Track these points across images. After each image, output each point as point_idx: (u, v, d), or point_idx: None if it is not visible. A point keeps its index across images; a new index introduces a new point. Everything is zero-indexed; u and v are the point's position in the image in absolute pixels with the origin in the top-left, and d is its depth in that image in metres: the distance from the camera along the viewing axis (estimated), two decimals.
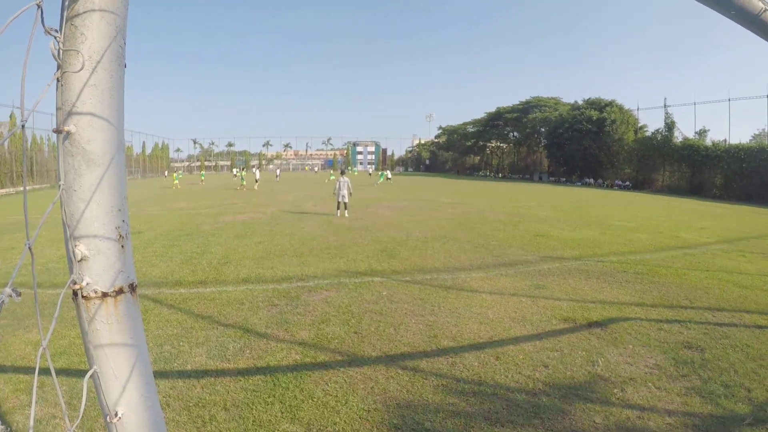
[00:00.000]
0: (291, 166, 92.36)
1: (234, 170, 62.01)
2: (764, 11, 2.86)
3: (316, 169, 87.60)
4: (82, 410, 0.98)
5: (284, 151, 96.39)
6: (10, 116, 33.54)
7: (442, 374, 3.81)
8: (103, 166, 0.92)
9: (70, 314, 4.43)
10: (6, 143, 31.09)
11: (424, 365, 3.99)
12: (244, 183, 31.76)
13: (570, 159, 50.10)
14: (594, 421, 3.10)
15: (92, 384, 0.97)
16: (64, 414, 2.27)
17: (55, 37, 0.87)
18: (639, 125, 46.50)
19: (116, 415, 0.96)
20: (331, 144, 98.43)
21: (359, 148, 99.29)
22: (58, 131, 0.90)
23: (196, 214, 15.29)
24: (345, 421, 3.10)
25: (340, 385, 3.60)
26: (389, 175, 41.84)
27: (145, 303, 5.49)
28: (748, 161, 32.11)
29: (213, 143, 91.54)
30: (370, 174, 58.09)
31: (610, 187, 43.74)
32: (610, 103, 46.93)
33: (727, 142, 36.68)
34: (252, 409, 3.22)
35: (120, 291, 0.97)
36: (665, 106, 41.73)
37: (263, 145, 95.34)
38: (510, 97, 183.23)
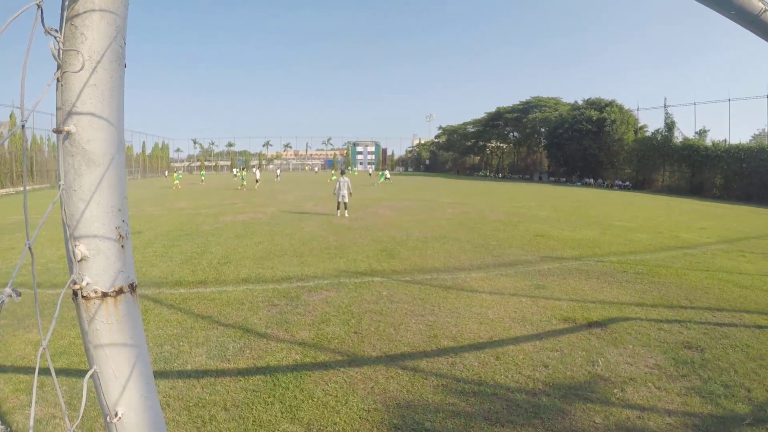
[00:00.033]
0: (291, 166, 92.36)
1: (234, 170, 62.04)
2: (764, 11, 2.86)
3: (316, 169, 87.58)
4: (82, 410, 0.98)
5: (284, 151, 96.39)
6: (10, 116, 33.53)
7: (442, 374, 3.81)
8: (103, 166, 0.92)
9: (70, 314, 4.43)
10: (6, 143, 31.09)
11: (424, 365, 3.99)
12: (245, 183, 31.77)
13: (570, 159, 50.10)
14: (594, 421, 3.10)
15: (92, 384, 0.97)
16: (64, 414, 2.27)
17: (55, 37, 0.87)
18: (639, 125, 46.50)
19: (116, 415, 0.96)
20: (331, 144, 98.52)
21: (359, 148, 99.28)
22: (58, 131, 0.90)
23: (196, 214, 15.29)
24: (345, 421, 3.10)
25: (340, 385, 3.60)
26: (388, 175, 41.94)
27: (145, 303, 5.49)
28: (748, 161, 32.10)
29: (213, 143, 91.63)
30: (370, 174, 58.09)
31: (610, 187, 43.74)
32: (610, 103, 46.93)
33: (727, 142, 36.68)
34: (252, 409, 3.22)
35: (120, 291, 0.97)
36: (665, 106, 41.77)
37: (263, 145, 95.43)
38: (510, 97, 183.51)
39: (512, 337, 4.64)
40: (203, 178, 45.63)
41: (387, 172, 44.93)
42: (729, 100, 39.34)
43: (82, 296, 0.94)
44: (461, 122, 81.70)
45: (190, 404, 3.28)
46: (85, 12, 0.88)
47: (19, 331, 4.58)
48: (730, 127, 64.39)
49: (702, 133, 40.00)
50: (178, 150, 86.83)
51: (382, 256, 8.51)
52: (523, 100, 66.91)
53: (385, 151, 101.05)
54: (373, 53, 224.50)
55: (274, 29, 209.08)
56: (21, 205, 20.82)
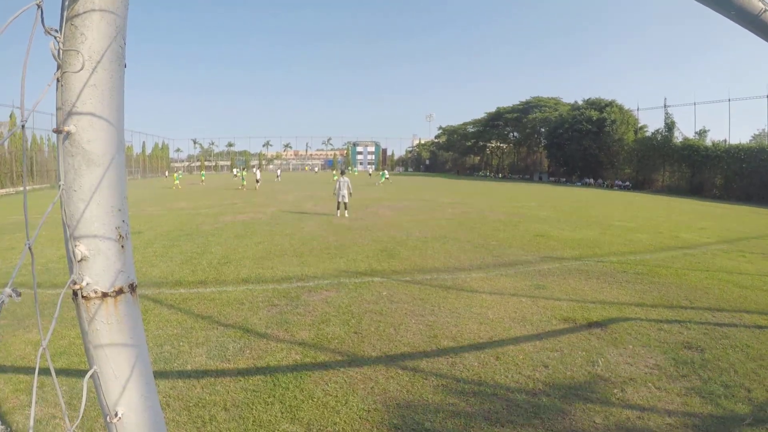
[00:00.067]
0: (291, 166, 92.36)
1: (234, 170, 62.03)
2: (764, 11, 2.86)
3: (316, 169, 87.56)
4: (82, 410, 0.98)
5: (284, 151, 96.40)
6: (10, 116, 33.54)
7: (442, 374, 3.81)
8: (103, 166, 0.92)
9: (70, 314, 4.43)
10: (6, 143, 31.10)
11: (424, 365, 3.99)
12: (245, 183, 31.77)
13: (570, 159, 50.10)
14: (594, 422, 3.10)
15: (92, 384, 0.97)
16: (64, 414, 2.27)
17: (55, 37, 0.87)
18: (639, 125, 46.50)
19: (116, 415, 0.96)
20: (331, 144, 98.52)
21: (359, 148, 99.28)
22: (58, 131, 0.90)
23: (196, 214, 15.29)
24: (345, 421, 3.10)
25: (340, 385, 3.60)
26: (387, 175, 42.23)
27: (145, 303, 5.49)
28: (748, 161, 32.10)
29: (213, 143, 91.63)
30: (370, 174, 58.09)
31: (610, 187, 43.74)
32: (610, 104, 46.93)
33: (727, 143, 36.67)
34: (252, 409, 3.22)
35: (120, 291, 0.97)
36: (665, 106, 41.76)
37: (263, 145, 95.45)
38: (510, 97, 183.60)
39: (512, 337, 4.64)
40: (203, 178, 45.64)
41: (386, 172, 45.10)
42: (729, 100, 39.36)
43: (82, 296, 0.94)
44: (461, 122, 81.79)
45: (190, 404, 3.28)
46: (85, 12, 0.88)
47: (19, 331, 4.58)
48: (730, 127, 64.40)
49: (702, 133, 40.01)
50: (178, 150, 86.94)
51: (382, 256, 8.51)
52: (523, 100, 66.96)
53: (385, 151, 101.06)
54: (373, 53, 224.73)
55: (274, 29, 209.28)
56: (21, 205, 20.82)
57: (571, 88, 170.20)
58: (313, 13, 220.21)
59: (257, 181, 31.81)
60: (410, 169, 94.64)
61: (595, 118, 46.08)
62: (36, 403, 3.18)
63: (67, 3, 0.89)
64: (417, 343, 4.49)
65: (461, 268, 7.69)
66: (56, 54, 0.88)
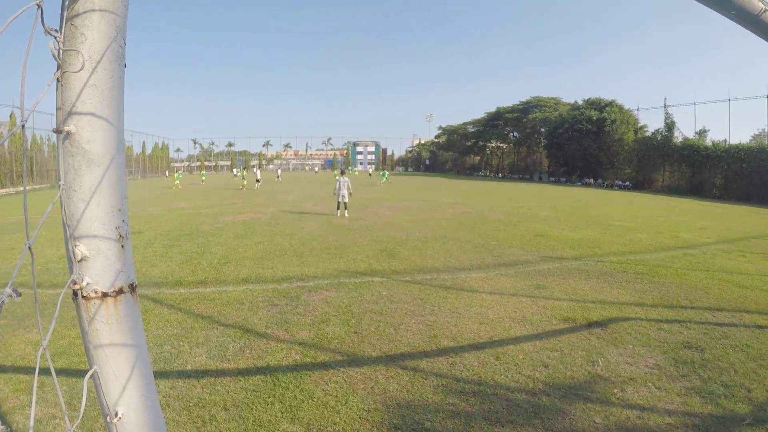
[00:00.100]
0: (291, 166, 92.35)
1: (234, 170, 62.04)
2: (764, 11, 2.86)
3: (316, 169, 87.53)
4: (82, 410, 0.98)
5: (284, 151, 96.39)
6: (10, 116, 33.53)
7: (442, 374, 3.81)
8: (103, 166, 0.92)
9: (70, 314, 4.43)
10: (6, 143, 31.10)
11: (424, 365, 3.99)
12: (245, 183, 31.78)
13: (570, 159, 50.10)
14: (594, 421, 3.10)
15: (92, 384, 0.97)
16: (64, 414, 2.27)
17: (55, 37, 0.87)
18: (639, 125, 46.51)
19: (116, 415, 0.96)
20: (331, 144, 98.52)
21: (359, 148, 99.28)
22: (58, 131, 0.90)
23: (196, 214, 15.29)
24: (345, 421, 3.10)
25: (340, 385, 3.60)
26: (386, 175, 42.55)
27: (145, 303, 5.49)
28: (748, 161, 32.11)
29: (213, 143, 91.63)
30: (370, 174, 58.11)
31: (610, 187, 43.74)
32: (610, 103, 46.93)
33: (727, 142, 36.68)
34: (252, 409, 3.22)
35: (120, 291, 0.97)
36: (665, 106, 41.77)
37: (263, 145, 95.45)
38: (510, 97, 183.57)
39: (512, 337, 4.64)
40: (203, 178, 45.65)
41: (386, 172, 45.30)
42: (729, 100, 39.38)
43: (82, 296, 0.94)
44: (461, 122, 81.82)
45: (190, 404, 3.28)
46: (85, 12, 0.88)
47: (19, 331, 4.58)
48: (730, 127, 64.51)
49: (702, 133, 40.02)
50: (178, 150, 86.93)
51: (382, 256, 8.51)
52: (523, 100, 66.99)
53: (385, 151, 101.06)
54: (373, 53, 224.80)
55: (274, 29, 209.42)
56: (21, 205, 20.82)
57: (571, 88, 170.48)
58: (313, 13, 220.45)
59: (257, 181, 31.81)
60: (410, 169, 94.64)
61: (595, 118, 46.08)
62: (36, 403, 3.18)
63: (67, 3, 0.89)
64: (417, 342, 4.49)
65: (461, 268, 7.69)
66: (56, 54, 0.88)
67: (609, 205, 21.60)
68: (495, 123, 70.62)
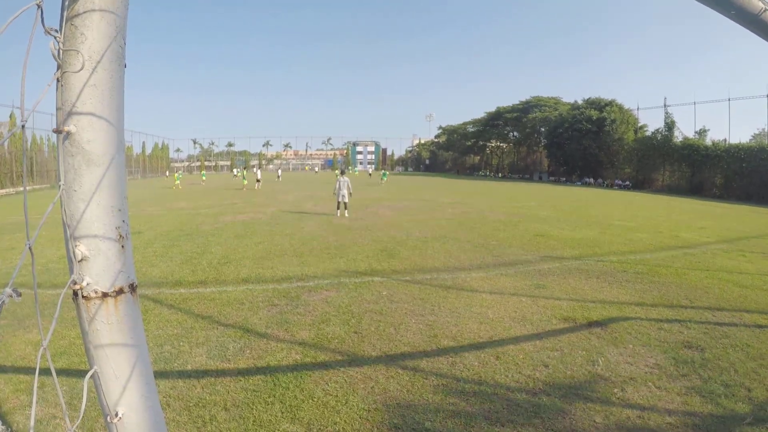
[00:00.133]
0: (291, 166, 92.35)
1: (234, 170, 62.06)
2: (764, 11, 2.86)
3: (316, 169, 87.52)
4: (82, 410, 0.98)
5: (284, 151, 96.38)
6: (10, 116, 33.53)
7: (442, 374, 3.81)
8: (103, 166, 0.92)
9: (70, 314, 4.43)
10: (6, 143, 31.09)
11: (424, 365, 3.99)
12: (246, 182, 31.78)
13: (570, 159, 50.11)
14: (594, 421, 3.10)
15: (92, 384, 0.97)
16: (64, 414, 2.27)
17: (55, 37, 0.87)
18: (639, 125, 46.53)
19: (117, 415, 0.96)
20: (331, 144, 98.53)
21: (359, 148, 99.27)
22: (58, 131, 0.90)
23: (196, 214, 15.29)
24: (345, 420, 3.10)
25: (341, 384, 3.60)
26: (382, 175, 43.02)
27: (146, 303, 5.49)
28: (748, 161, 32.13)
29: (213, 143, 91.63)
30: (370, 174, 58.12)
31: (610, 186, 43.74)
32: (610, 103, 46.95)
33: (727, 142, 36.71)
34: (252, 409, 3.23)
35: (120, 291, 0.97)
36: (665, 105, 41.80)
37: (263, 145, 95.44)
38: (510, 97, 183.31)
39: (512, 337, 4.64)
40: (204, 178, 45.65)
41: (386, 172, 45.54)
42: (729, 99, 39.41)
43: (83, 296, 0.94)
44: (461, 122, 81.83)
45: (191, 404, 3.28)
46: (85, 12, 0.88)
47: (19, 332, 4.58)
48: (730, 126, 64.49)
49: (702, 132, 40.05)
50: (178, 150, 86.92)
51: (382, 255, 8.51)
52: (523, 99, 67.00)
53: (385, 150, 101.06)
54: (373, 53, 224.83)
55: (274, 29, 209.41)
56: (21, 205, 20.82)
57: (571, 88, 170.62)
58: (313, 13, 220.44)
59: (258, 181, 31.80)
60: (410, 169, 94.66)
61: (594, 117, 46.10)
62: (36, 403, 3.18)
63: (67, 3, 0.88)
64: (417, 342, 4.49)
65: (461, 267, 7.69)
66: (56, 54, 0.88)
67: (609, 205, 21.60)
68: (495, 123, 70.62)
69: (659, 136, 41.44)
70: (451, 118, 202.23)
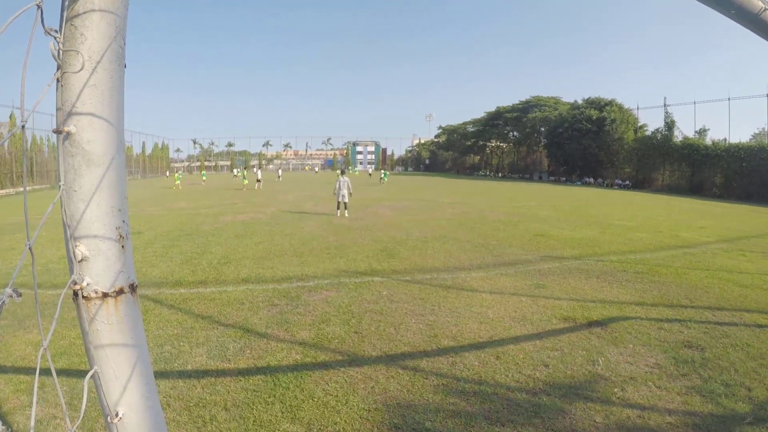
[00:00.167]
0: (291, 166, 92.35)
1: (235, 170, 62.08)
2: (764, 10, 2.86)
3: (317, 169, 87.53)
4: (82, 410, 0.98)
5: (284, 151, 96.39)
6: (10, 117, 33.54)
7: (442, 374, 3.81)
8: (103, 166, 0.92)
9: (70, 315, 4.42)
10: (6, 144, 31.09)
11: (424, 365, 3.99)
12: (247, 182, 31.77)
13: (570, 158, 50.12)
14: (594, 421, 3.10)
15: (93, 384, 0.97)
16: (64, 414, 2.27)
17: (55, 38, 0.87)
18: (639, 124, 46.54)
19: (117, 415, 0.96)
20: (331, 144, 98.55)
21: (359, 148, 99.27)
22: (58, 132, 0.90)
23: (196, 214, 15.29)
24: (345, 420, 3.10)
25: (341, 384, 3.60)
26: (382, 175, 43.26)
27: (146, 303, 5.49)
28: (748, 160, 32.13)
29: (213, 143, 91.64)
30: (370, 174, 58.14)
31: (610, 186, 43.74)
32: (610, 103, 46.96)
33: (727, 141, 36.71)
34: (252, 409, 3.23)
35: (120, 291, 0.97)
36: (665, 105, 41.82)
37: (263, 145, 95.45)
38: (510, 97, 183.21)
39: (512, 337, 4.64)
40: (204, 178, 45.65)
41: (387, 172, 45.77)
42: (729, 99, 39.42)
43: (83, 296, 0.94)
44: (461, 122, 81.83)
45: (191, 404, 3.28)
46: (84, 12, 0.88)
47: (19, 332, 4.58)
48: (730, 126, 64.55)
49: (702, 132, 40.05)
50: (178, 150, 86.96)
51: (382, 255, 8.51)
52: (523, 99, 67.00)
53: (384, 150, 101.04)
54: (373, 53, 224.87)
55: (274, 29, 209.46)
56: (21, 205, 20.82)
57: (571, 88, 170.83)
58: (313, 13, 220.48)
59: (258, 181, 31.79)
60: (410, 169, 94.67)
61: (594, 117, 46.10)
62: (37, 403, 3.18)
63: (66, 3, 0.88)
64: (417, 342, 4.49)
65: (461, 267, 7.69)
66: (56, 54, 0.88)
67: (609, 205, 21.60)
68: (495, 122, 70.62)
69: (659, 136, 41.45)
70: (451, 118, 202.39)
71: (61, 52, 0.88)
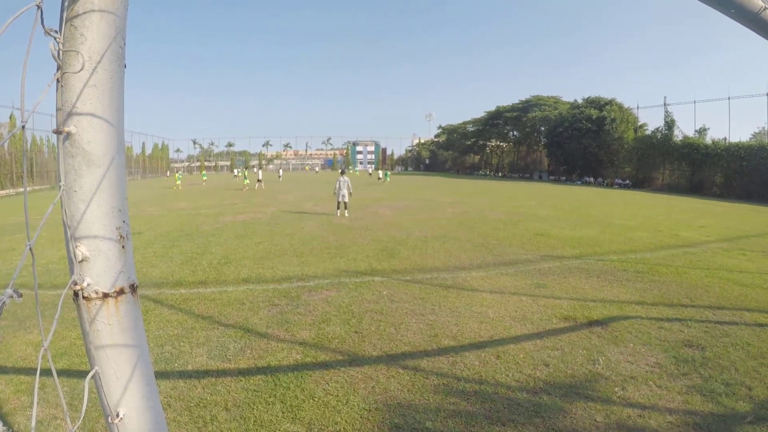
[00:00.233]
0: (291, 166, 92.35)
1: (235, 171, 62.08)
2: (764, 9, 2.86)
3: (317, 169, 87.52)
4: (83, 411, 0.98)
5: (284, 151, 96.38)
6: (10, 117, 33.53)
7: (442, 373, 3.81)
8: (103, 166, 0.92)
9: (71, 315, 4.43)
10: (6, 144, 31.08)
11: (424, 364, 3.99)
12: (247, 182, 31.77)
13: (570, 158, 50.10)
14: (595, 420, 3.10)
15: (93, 385, 0.97)
16: (65, 415, 2.27)
17: (55, 38, 0.87)
18: (639, 124, 46.52)
19: (118, 415, 0.96)
20: (330, 144, 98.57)
21: (359, 148, 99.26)
22: (58, 132, 0.90)
23: (196, 215, 15.29)
24: (346, 420, 3.10)
25: (341, 384, 3.60)
26: (380, 175, 43.31)
27: (146, 303, 5.49)
28: (748, 159, 32.12)
29: (213, 143, 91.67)
30: (370, 174, 58.16)
31: (610, 185, 43.73)
32: (610, 102, 46.94)
33: (727, 141, 36.68)
34: (253, 409, 3.23)
35: (121, 291, 0.96)
36: (665, 104, 41.79)
37: (263, 145, 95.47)
38: (510, 97, 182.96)
39: (513, 336, 4.64)
40: (204, 178, 45.63)
41: (380, 171, 46.15)
42: (729, 98, 39.39)
43: (83, 297, 0.94)
44: (461, 121, 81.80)
45: (192, 404, 3.28)
46: (84, 13, 0.88)
47: (20, 332, 4.58)
48: (730, 125, 64.54)
49: (702, 131, 40.03)
50: (178, 150, 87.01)
51: (382, 255, 8.51)
52: (523, 99, 66.96)
53: (384, 150, 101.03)
54: (373, 53, 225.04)
55: (274, 29, 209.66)
56: (21, 206, 20.82)
57: (571, 88, 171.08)
58: (313, 13, 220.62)
59: (259, 181, 31.76)
60: (410, 169, 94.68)
61: (594, 116, 46.09)
62: (37, 403, 3.18)
63: (66, 4, 0.88)
64: (418, 342, 4.49)
65: (461, 267, 7.69)
66: (56, 55, 0.88)
67: (609, 204, 21.60)
68: (495, 122, 70.60)
69: (659, 135, 41.43)
70: (451, 118, 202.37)
71: (61, 52, 0.88)
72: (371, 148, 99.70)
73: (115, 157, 0.95)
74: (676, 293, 6.21)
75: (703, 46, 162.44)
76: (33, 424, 0.85)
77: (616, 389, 3.53)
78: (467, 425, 3.04)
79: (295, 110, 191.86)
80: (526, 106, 64.88)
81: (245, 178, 32.44)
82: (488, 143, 76.02)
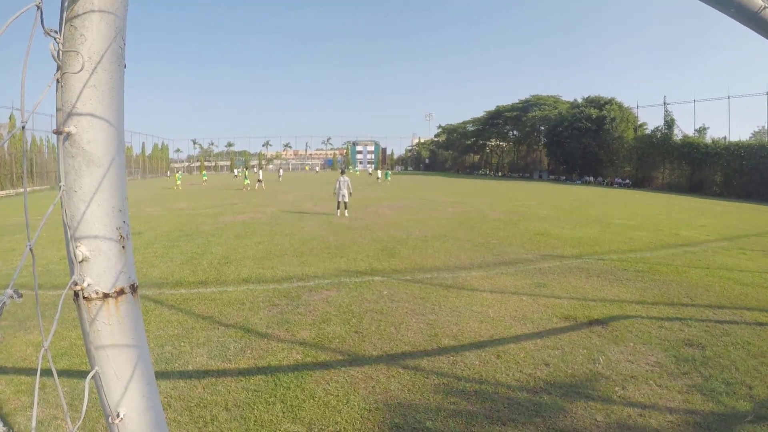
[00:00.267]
0: (291, 166, 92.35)
1: (235, 171, 62.07)
2: (764, 8, 2.86)
3: (317, 168, 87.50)
4: (83, 411, 0.98)
5: (284, 150, 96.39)
6: (10, 118, 33.52)
7: (443, 373, 3.81)
8: (103, 166, 0.92)
9: (71, 315, 4.43)
10: (6, 145, 31.08)
11: (425, 364, 3.99)
12: (248, 182, 31.77)
13: (570, 157, 50.09)
14: (595, 419, 3.10)
15: (94, 385, 0.97)
16: (65, 415, 2.27)
17: (55, 39, 0.87)
18: (638, 123, 46.51)
19: (118, 415, 0.96)
20: (330, 144, 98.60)
21: (359, 148, 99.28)
22: (58, 132, 0.90)
23: (196, 215, 15.29)
24: (346, 420, 3.10)
25: (342, 384, 3.60)
26: (379, 175, 43.39)
27: (146, 304, 5.49)
28: (748, 159, 32.10)
29: (213, 143, 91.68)
30: (370, 173, 58.17)
31: (610, 185, 43.72)
32: (610, 101, 46.92)
33: (727, 140, 36.67)
34: (253, 409, 3.23)
35: (121, 292, 0.96)
36: (665, 103, 41.75)
37: (263, 145, 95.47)
38: (510, 97, 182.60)
39: (513, 336, 4.64)
40: (205, 178, 45.62)
41: (379, 171, 46.29)
42: (729, 97, 39.38)
43: (84, 297, 0.94)
44: (461, 121, 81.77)
45: (192, 404, 3.28)
46: (84, 13, 0.88)
47: (20, 333, 4.58)
48: (730, 124, 64.52)
49: (702, 130, 40.01)
50: (177, 150, 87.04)
51: (382, 255, 8.51)
52: (523, 98, 66.92)
53: (384, 150, 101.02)
54: (373, 53, 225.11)
55: (274, 29, 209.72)
56: (21, 206, 20.82)
57: (571, 88, 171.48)
58: (313, 13, 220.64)
59: (259, 181, 31.77)
60: (410, 168, 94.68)
61: (594, 116, 46.07)
62: (38, 404, 3.18)
63: (66, 4, 0.88)
64: (418, 342, 4.49)
65: (462, 266, 7.69)
66: (56, 55, 0.88)
67: (609, 204, 21.60)
68: (495, 122, 70.58)
69: (659, 134, 41.40)
70: (451, 118, 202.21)
71: (60, 52, 0.88)
72: (371, 148, 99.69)
73: (116, 157, 0.95)
74: (677, 292, 6.21)
75: (703, 45, 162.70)
76: (33, 424, 0.85)
77: (617, 388, 3.53)
78: (467, 425, 3.04)
79: (295, 110, 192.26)
80: (525, 106, 64.85)
81: (245, 178, 32.44)
82: (488, 143, 76.00)
